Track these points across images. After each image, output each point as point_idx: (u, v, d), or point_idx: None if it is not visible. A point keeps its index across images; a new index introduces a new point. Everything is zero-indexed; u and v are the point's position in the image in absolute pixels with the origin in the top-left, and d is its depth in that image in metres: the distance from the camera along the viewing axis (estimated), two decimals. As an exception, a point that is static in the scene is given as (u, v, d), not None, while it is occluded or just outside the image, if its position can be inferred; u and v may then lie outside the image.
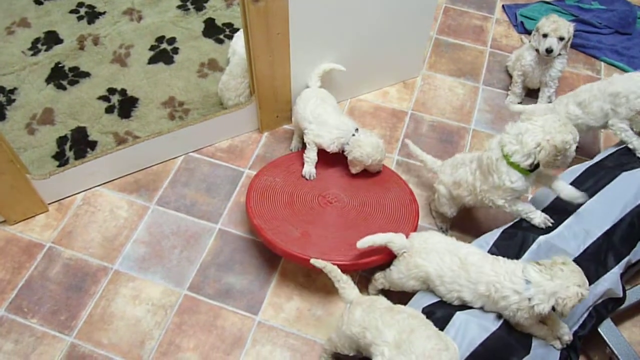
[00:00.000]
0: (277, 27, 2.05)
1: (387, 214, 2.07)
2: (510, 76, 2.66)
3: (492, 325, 1.63)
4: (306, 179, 2.15)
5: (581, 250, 1.80)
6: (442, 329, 1.60)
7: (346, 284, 1.71)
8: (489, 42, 2.90)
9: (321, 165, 2.19)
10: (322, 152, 2.17)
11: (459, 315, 1.64)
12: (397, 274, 1.79)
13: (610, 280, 1.79)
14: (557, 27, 2.32)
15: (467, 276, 1.65)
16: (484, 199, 1.90)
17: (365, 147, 2.08)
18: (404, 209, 2.08)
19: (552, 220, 1.86)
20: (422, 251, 1.74)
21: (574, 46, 2.74)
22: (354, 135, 2.11)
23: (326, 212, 2.06)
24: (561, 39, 2.33)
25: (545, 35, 2.34)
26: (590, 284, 1.62)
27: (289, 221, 1.99)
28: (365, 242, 1.77)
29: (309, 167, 2.16)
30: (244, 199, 2.24)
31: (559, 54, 2.39)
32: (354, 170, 2.17)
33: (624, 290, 1.84)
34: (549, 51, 2.34)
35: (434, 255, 1.71)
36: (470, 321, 1.62)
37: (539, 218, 1.86)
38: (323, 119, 2.14)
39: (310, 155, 2.16)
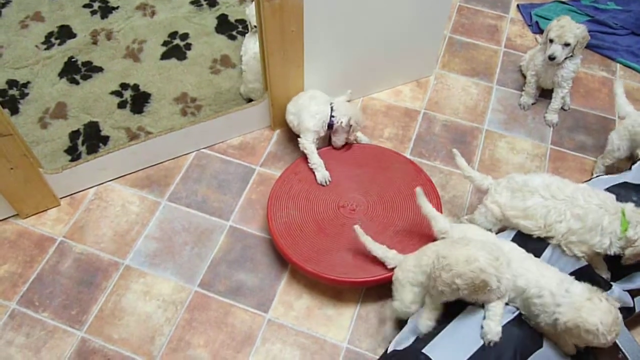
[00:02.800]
0: (291, 24, 2.04)
1: (406, 194, 2.08)
2: (524, 76, 2.64)
3: (504, 318, 1.64)
4: (324, 186, 2.15)
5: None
6: None
7: (392, 253, 1.87)
8: (503, 41, 2.88)
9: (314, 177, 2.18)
10: (306, 165, 2.20)
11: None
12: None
13: (618, 290, 1.79)
14: (562, 33, 2.27)
15: (509, 269, 1.63)
16: (564, 245, 1.78)
17: (350, 109, 2.19)
18: (416, 183, 2.04)
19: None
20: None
21: (589, 47, 2.72)
22: (332, 105, 2.18)
23: (356, 221, 2.01)
24: (567, 44, 2.30)
25: (551, 41, 2.32)
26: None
27: (329, 251, 1.96)
28: (422, 199, 1.86)
29: (321, 173, 2.16)
30: (255, 196, 2.24)
31: (571, 56, 2.36)
32: (340, 142, 2.23)
33: (633, 299, 1.83)
34: (551, 58, 2.32)
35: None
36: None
37: (604, 275, 1.83)
38: (301, 103, 2.23)
39: (315, 161, 2.16)
